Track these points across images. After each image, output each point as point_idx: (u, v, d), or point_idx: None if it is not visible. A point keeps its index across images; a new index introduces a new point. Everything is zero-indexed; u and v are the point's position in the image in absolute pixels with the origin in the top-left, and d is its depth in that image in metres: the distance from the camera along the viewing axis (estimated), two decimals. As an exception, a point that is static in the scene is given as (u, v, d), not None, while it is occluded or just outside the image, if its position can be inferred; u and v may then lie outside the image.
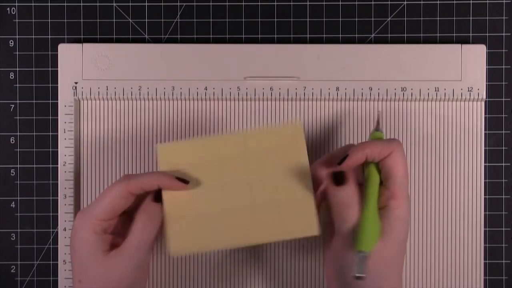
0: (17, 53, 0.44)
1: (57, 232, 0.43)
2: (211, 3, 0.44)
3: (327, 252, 0.38)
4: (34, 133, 0.44)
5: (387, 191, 0.35)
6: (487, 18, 0.44)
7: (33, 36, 0.44)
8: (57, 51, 0.42)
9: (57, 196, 0.43)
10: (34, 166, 0.44)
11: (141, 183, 0.36)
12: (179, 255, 0.39)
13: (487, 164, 0.43)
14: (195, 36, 0.44)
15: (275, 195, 0.38)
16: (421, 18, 0.44)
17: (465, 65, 0.42)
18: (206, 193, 0.38)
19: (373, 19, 0.44)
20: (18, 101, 0.44)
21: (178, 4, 0.44)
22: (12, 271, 0.44)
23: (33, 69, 0.44)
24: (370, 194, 0.36)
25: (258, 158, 0.38)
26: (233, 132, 0.41)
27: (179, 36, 0.44)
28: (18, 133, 0.44)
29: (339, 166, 0.36)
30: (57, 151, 0.43)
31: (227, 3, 0.44)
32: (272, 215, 0.38)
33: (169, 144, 0.39)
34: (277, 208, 0.38)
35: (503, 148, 0.44)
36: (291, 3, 0.44)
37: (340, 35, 0.44)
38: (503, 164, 0.44)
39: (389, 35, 0.44)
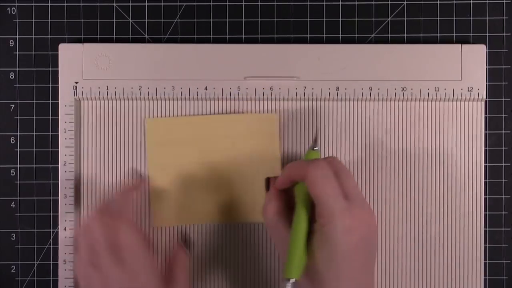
0: (17, 53, 0.44)
1: (57, 232, 0.43)
2: (211, 3, 0.44)
3: None
4: (34, 133, 0.44)
5: (316, 210, 0.35)
6: (487, 18, 0.44)
7: (33, 36, 0.44)
8: (57, 51, 0.42)
9: (57, 196, 0.43)
10: (34, 166, 0.44)
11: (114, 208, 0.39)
12: (161, 226, 0.43)
13: (487, 164, 0.43)
14: (195, 36, 0.44)
15: (252, 176, 0.42)
16: (421, 18, 0.44)
17: (465, 65, 0.42)
18: (187, 170, 0.42)
19: (373, 19, 0.44)
20: (18, 101, 0.44)
21: (178, 4, 0.44)
22: (12, 271, 0.44)
23: (33, 69, 0.44)
24: (296, 220, 0.36)
25: (237, 141, 0.42)
26: (218, 114, 0.43)
27: (179, 36, 0.44)
28: (18, 133, 0.44)
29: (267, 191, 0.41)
30: (57, 151, 0.43)
31: (227, 3, 0.44)
32: (246, 198, 0.42)
33: (157, 119, 0.42)
34: (250, 192, 0.42)
35: (503, 148, 0.44)
36: (291, 3, 0.44)
37: (340, 35, 0.44)
38: (503, 164, 0.44)
39: (389, 35, 0.44)
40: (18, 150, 0.44)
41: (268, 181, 0.42)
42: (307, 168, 0.35)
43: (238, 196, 0.42)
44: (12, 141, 0.44)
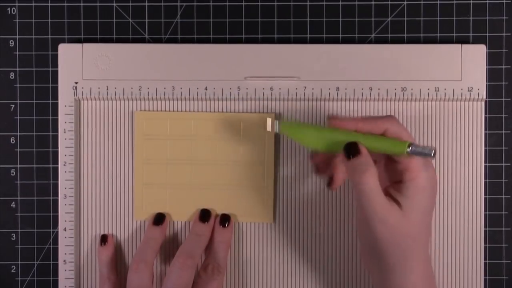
0: (17, 53, 0.44)
1: (57, 232, 0.43)
2: (211, 3, 0.44)
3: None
4: (34, 133, 0.44)
5: (399, 165, 0.35)
6: (487, 18, 0.44)
7: (33, 36, 0.44)
8: (57, 51, 0.42)
9: (57, 196, 0.43)
10: (34, 166, 0.44)
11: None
12: (142, 219, 0.43)
13: (487, 164, 0.43)
14: (195, 36, 0.44)
15: (237, 178, 0.42)
16: (421, 18, 0.44)
17: (465, 65, 0.42)
18: (174, 166, 0.42)
19: (373, 19, 0.44)
20: (18, 101, 0.44)
21: (178, 4, 0.44)
22: (12, 271, 0.44)
23: (33, 69, 0.44)
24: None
25: (227, 140, 0.42)
26: (209, 112, 0.43)
27: (179, 36, 0.44)
28: (18, 133, 0.44)
29: (328, 120, 0.37)
30: (57, 151, 0.43)
31: (227, 3, 0.44)
32: (232, 198, 0.42)
33: (147, 113, 0.42)
34: (237, 191, 0.42)
35: (503, 148, 0.44)
36: (291, 3, 0.44)
37: (340, 35, 0.44)
38: (503, 164, 0.44)
39: (389, 35, 0.44)
40: (18, 150, 0.44)
41: (353, 145, 0.35)
42: (383, 122, 0.36)
43: (225, 196, 0.42)
44: (12, 141, 0.44)
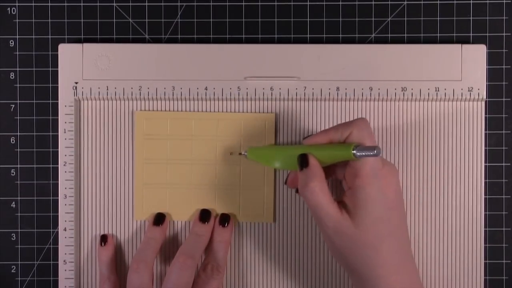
0: (17, 53, 0.44)
1: (57, 232, 0.43)
2: (211, 3, 0.44)
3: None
4: (34, 133, 0.44)
5: (352, 169, 0.35)
6: (487, 18, 0.44)
7: (33, 36, 0.44)
8: (57, 51, 0.43)
9: (57, 196, 0.43)
10: (34, 166, 0.44)
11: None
12: (142, 219, 0.43)
13: (487, 164, 0.43)
14: (195, 36, 0.44)
15: (238, 178, 0.42)
16: (421, 18, 0.44)
17: (465, 65, 0.42)
18: (174, 166, 0.42)
19: (373, 19, 0.44)
20: (18, 101, 0.44)
21: (178, 4, 0.44)
22: (12, 271, 0.44)
23: (33, 69, 0.44)
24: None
25: (227, 140, 0.42)
26: (209, 112, 0.43)
27: (179, 36, 0.44)
28: (18, 133, 0.44)
29: (303, 140, 0.38)
30: (57, 151, 0.43)
31: (227, 3, 0.44)
32: (232, 198, 0.42)
33: (147, 112, 0.42)
34: (237, 191, 0.42)
35: (503, 148, 0.44)
36: (291, 3, 0.44)
37: (340, 35, 0.44)
38: (503, 164, 0.44)
39: (389, 35, 0.44)
40: (18, 150, 0.44)
41: (303, 157, 0.36)
42: (350, 125, 0.35)
43: (225, 196, 0.42)
44: (12, 141, 0.44)
